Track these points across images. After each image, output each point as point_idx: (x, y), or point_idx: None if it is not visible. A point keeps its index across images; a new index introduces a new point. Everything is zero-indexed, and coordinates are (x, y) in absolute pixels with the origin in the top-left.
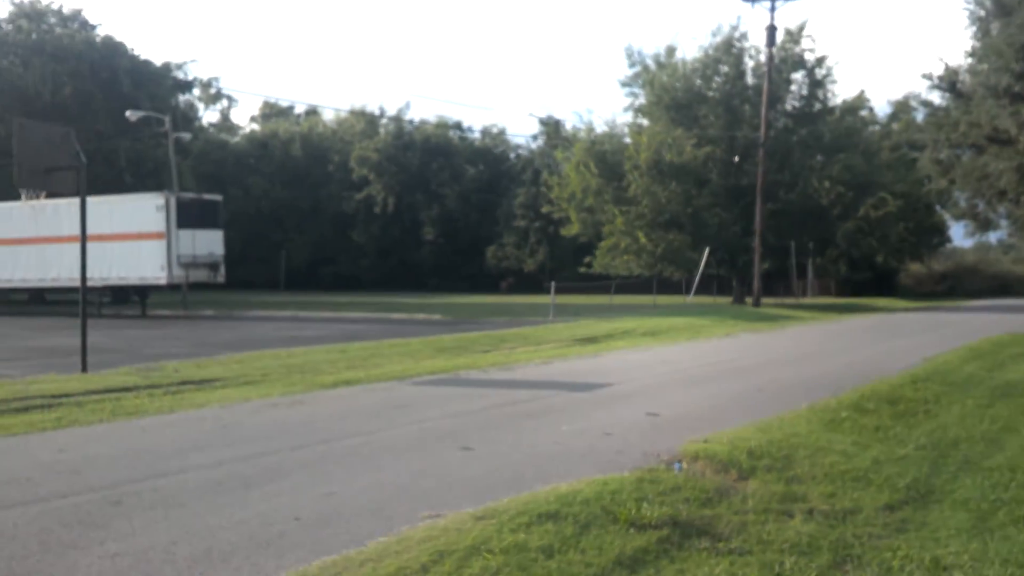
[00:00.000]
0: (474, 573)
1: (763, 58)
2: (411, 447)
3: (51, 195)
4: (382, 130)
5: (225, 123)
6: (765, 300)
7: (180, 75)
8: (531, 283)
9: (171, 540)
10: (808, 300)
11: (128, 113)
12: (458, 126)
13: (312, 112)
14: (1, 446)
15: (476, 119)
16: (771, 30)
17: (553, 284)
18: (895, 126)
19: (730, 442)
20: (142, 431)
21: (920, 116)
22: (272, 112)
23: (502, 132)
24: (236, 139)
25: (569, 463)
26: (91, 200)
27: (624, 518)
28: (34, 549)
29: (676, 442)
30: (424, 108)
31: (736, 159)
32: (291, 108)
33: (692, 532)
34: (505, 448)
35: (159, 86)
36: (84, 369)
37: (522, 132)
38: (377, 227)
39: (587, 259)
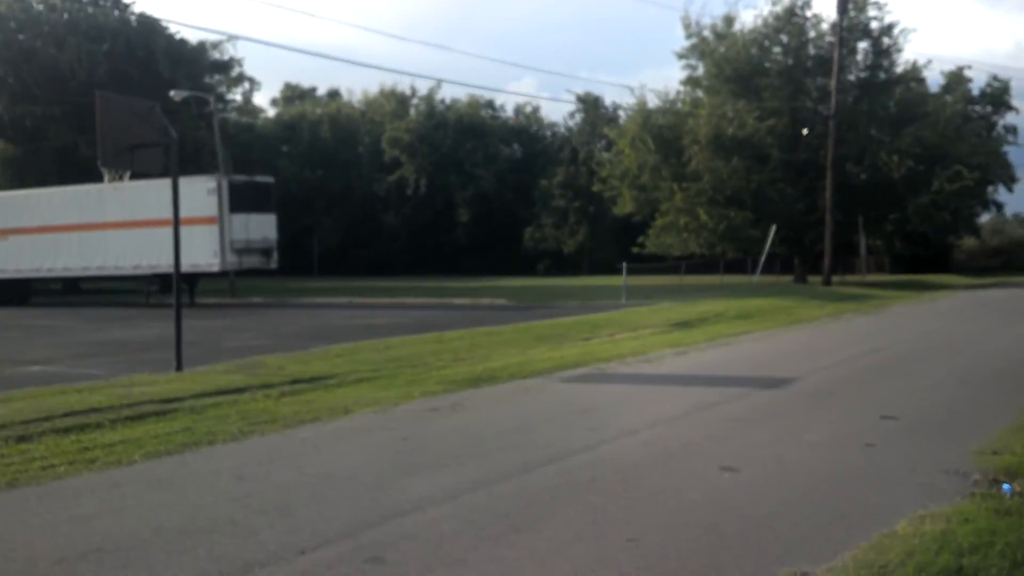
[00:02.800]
0: None
1: (825, 27)
2: (657, 467)
3: (135, 176)
4: (413, 110)
5: (248, 106)
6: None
7: (216, 55)
8: (569, 265)
9: None
10: (872, 278)
11: (172, 93)
12: (490, 105)
13: (335, 94)
14: (157, 472)
15: (509, 98)
16: None
17: (625, 265)
18: (948, 97)
19: None
20: (313, 448)
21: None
22: (294, 95)
23: (536, 110)
24: (261, 121)
25: (868, 486)
26: (138, 184)
27: None
28: None
29: (952, 454)
30: (455, 88)
31: (805, 132)
32: (313, 90)
33: None
34: (772, 468)
35: (196, 65)
36: (179, 367)
37: (557, 110)
38: (409, 209)
39: (640, 239)
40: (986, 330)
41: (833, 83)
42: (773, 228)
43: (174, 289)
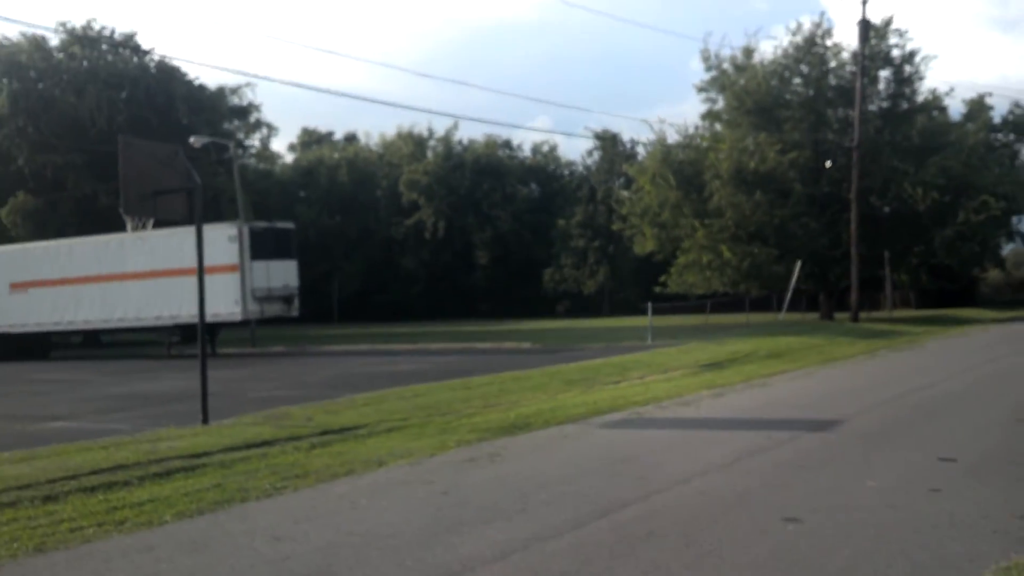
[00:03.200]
0: None
1: (845, 56)
2: (716, 519)
3: (159, 224)
4: (430, 152)
5: (265, 152)
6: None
7: (235, 100)
8: (588, 306)
9: None
10: (899, 313)
11: (192, 139)
12: (508, 144)
13: (352, 137)
14: (190, 533)
15: (526, 137)
16: (864, 25)
17: (650, 305)
18: (970, 125)
19: None
20: (350, 505)
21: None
22: (311, 139)
23: (553, 149)
24: (279, 167)
25: (943, 535)
26: (160, 233)
27: None
28: None
29: (1021, 497)
30: (472, 129)
31: (828, 164)
32: (331, 134)
33: None
34: (837, 517)
35: (215, 112)
36: (205, 420)
37: (574, 148)
38: (428, 252)
39: (662, 278)
40: None
41: (856, 112)
42: (798, 264)
43: (199, 339)
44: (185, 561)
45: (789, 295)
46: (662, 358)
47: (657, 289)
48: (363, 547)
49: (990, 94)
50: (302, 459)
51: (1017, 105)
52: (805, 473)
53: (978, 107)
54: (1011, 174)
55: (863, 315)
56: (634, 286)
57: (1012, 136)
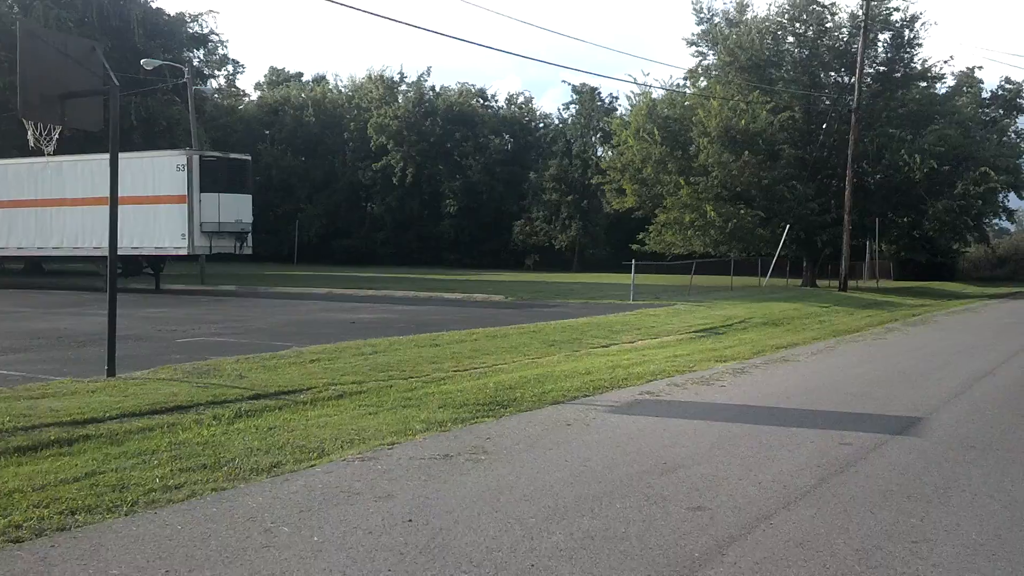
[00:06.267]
0: None
1: (843, 16)
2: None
3: (64, 134)
4: (401, 97)
5: (231, 90)
6: (831, 283)
7: (196, 28)
8: (559, 261)
9: None
10: (884, 284)
11: (143, 62)
12: (482, 94)
13: (321, 79)
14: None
15: (501, 87)
16: None
17: (633, 263)
18: (958, 100)
19: None
20: (263, 536)
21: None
22: (279, 79)
23: (529, 101)
24: (243, 105)
25: None
26: (101, 158)
27: None
28: None
29: None
30: (446, 74)
31: (824, 126)
32: (299, 75)
33: None
34: None
35: (173, 38)
36: (111, 372)
37: (550, 101)
38: (395, 199)
39: (640, 235)
40: None
41: (858, 72)
42: (787, 228)
43: (108, 274)
44: None
45: (775, 260)
46: (650, 320)
47: (634, 247)
48: None
49: (980, 67)
50: (218, 437)
51: (1008, 80)
52: (929, 509)
53: (968, 81)
54: (1014, 148)
55: (851, 284)
56: (606, 243)
57: (1001, 112)
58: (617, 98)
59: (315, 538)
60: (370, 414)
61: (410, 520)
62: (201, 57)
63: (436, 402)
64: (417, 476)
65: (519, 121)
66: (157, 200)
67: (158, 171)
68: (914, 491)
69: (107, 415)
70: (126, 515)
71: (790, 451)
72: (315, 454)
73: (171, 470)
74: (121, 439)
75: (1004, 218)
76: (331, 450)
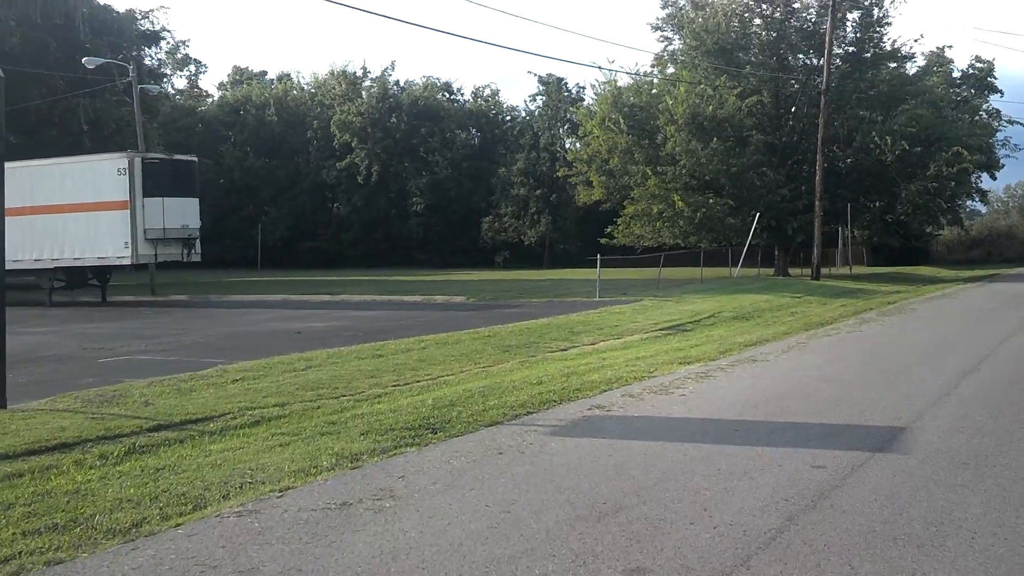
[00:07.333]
0: None
1: None
2: None
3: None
4: (365, 93)
5: (193, 90)
6: (804, 271)
7: (146, 25)
8: (529, 257)
9: None
10: (858, 270)
11: (85, 60)
12: (447, 88)
13: (285, 77)
14: None
15: (467, 80)
16: None
17: (599, 258)
18: (929, 80)
19: None
20: None
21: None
22: (242, 78)
23: (496, 94)
24: (205, 106)
25: None
26: (40, 163)
27: None
28: None
29: None
30: (410, 69)
31: (793, 110)
32: (263, 73)
33: None
34: None
35: (122, 36)
36: (2, 404)
37: (517, 93)
38: (360, 198)
39: (608, 229)
40: None
41: (826, 53)
42: (756, 216)
43: None
44: None
45: (745, 249)
46: (615, 318)
47: (603, 241)
48: None
49: (950, 46)
50: (93, 484)
51: (978, 58)
52: (918, 557)
53: (938, 60)
54: (986, 127)
55: (824, 272)
56: (576, 238)
57: (972, 91)
58: (584, 88)
59: None
60: (280, 446)
61: None
62: (159, 57)
63: (359, 428)
64: (298, 537)
65: (486, 114)
66: (98, 207)
67: (99, 176)
68: (901, 531)
69: None
70: None
71: (753, 480)
72: (191, 506)
73: (12, 534)
74: None
75: (977, 199)
76: (211, 500)
